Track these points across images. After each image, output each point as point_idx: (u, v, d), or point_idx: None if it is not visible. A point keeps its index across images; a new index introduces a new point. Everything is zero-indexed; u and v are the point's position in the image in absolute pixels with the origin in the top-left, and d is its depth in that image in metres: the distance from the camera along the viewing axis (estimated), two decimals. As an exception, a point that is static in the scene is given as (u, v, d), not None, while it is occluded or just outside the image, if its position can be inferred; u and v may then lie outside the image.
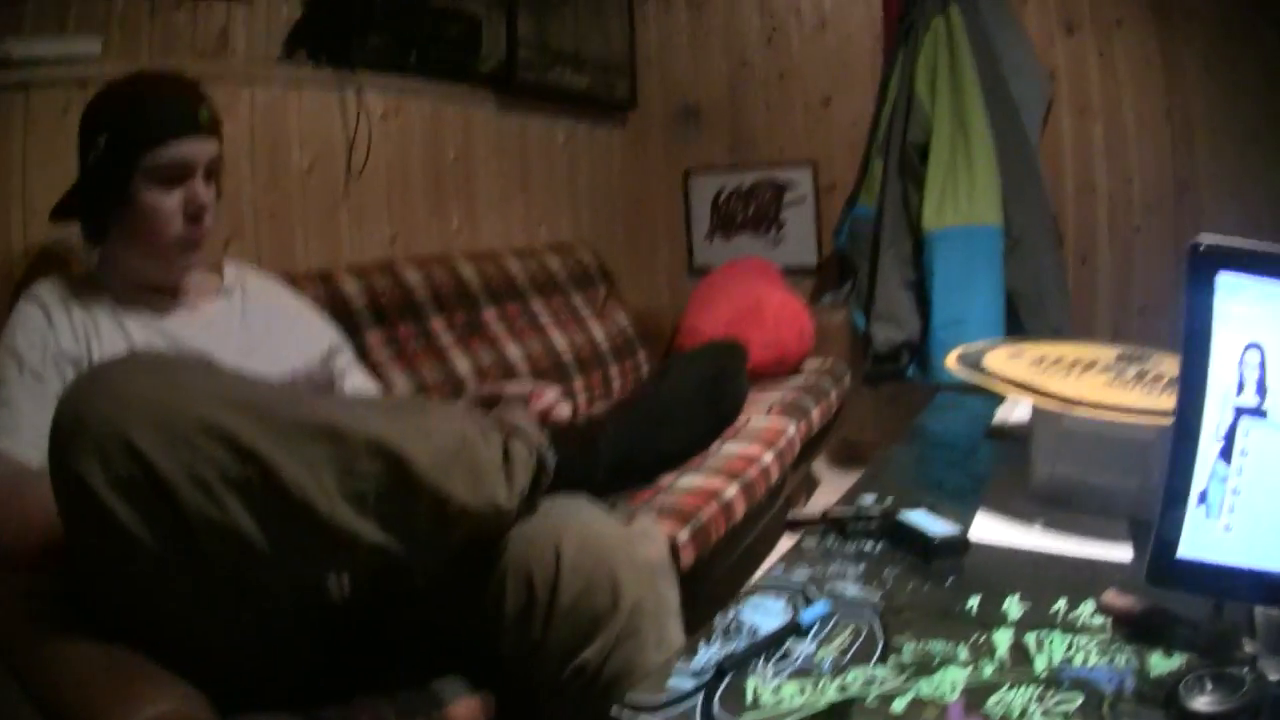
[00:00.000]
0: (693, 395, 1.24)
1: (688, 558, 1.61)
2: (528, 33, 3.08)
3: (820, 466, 3.46)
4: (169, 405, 0.81)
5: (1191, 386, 0.84)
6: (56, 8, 1.83)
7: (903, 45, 3.21)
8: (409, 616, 1.17)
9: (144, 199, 1.27)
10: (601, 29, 3.60)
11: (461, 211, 2.93)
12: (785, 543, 1.19)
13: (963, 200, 2.98)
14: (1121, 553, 1.12)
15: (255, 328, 1.44)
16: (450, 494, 0.92)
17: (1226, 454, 0.84)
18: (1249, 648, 0.81)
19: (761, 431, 2.25)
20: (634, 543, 1.05)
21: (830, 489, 3.32)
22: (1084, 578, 1.03)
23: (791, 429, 2.33)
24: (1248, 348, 0.82)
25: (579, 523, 1.04)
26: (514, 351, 2.54)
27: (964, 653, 0.87)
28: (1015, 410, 1.79)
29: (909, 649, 0.88)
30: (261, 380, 0.95)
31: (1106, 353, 1.44)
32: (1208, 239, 0.84)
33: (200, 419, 0.82)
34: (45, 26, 1.80)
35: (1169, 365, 1.36)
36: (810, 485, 3.22)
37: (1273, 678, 0.75)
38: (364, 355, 2.07)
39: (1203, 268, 0.83)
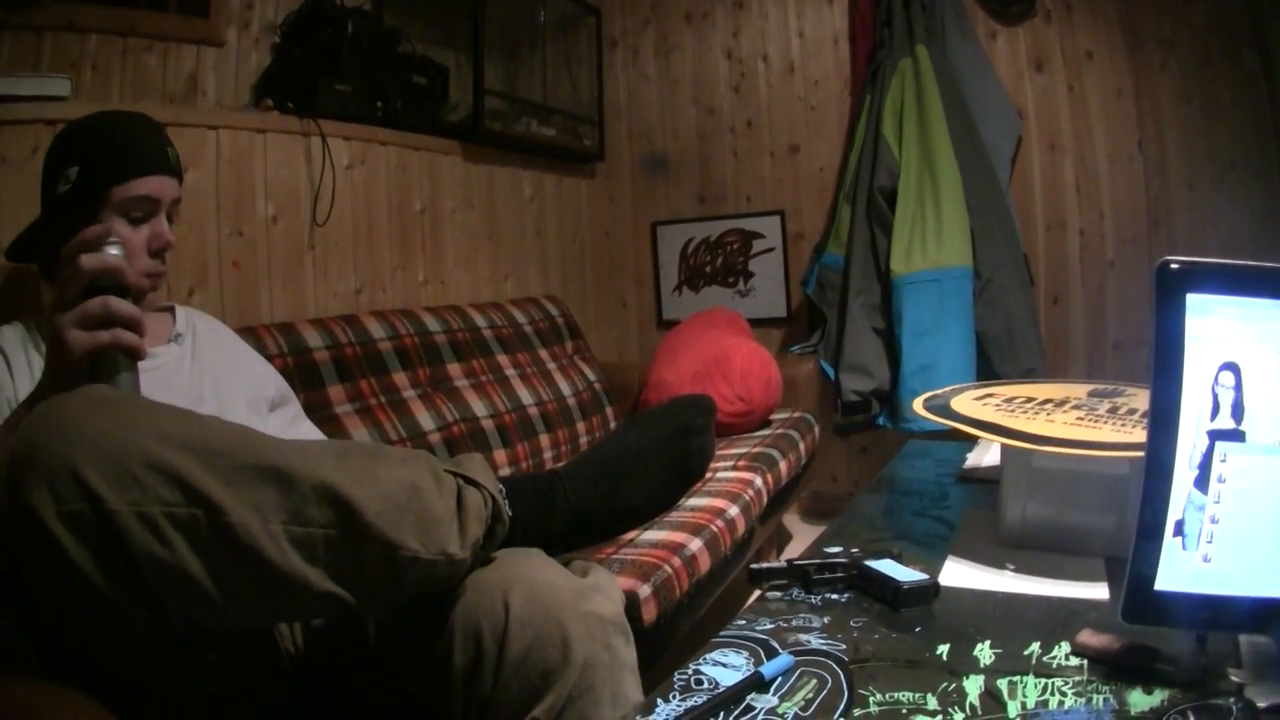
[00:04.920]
0: (656, 451, 1.20)
1: (649, 614, 1.56)
2: (495, 83, 3.07)
3: (791, 520, 3.41)
4: (119, 441, 0.80)
5: (1163, 412, 0.80)
6: (30, 46, 1.84)
7: (870, 88, 3.23)
8: (360, 675, 1.11)
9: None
10: (569, 79, 3.60)
11: (428, 264, 2.89)
12: (755, 597, 1.15)
13: (930, 244, 2.97)
14: (1097, 591, 1.08)
15: (204, 375, 1.42)
16: (400, 543, 0.89)
17: (1202, 482, 0.80)
18: (1235, 677, 0.79)
19: (727, 485, 2.19)
20: (586, 596, 0.99)
21: (801, 543, 3.26)
22: (1059, 619, 1.00)
23: (759, 481, 2.28)
24: (1222, 368, 0.79)
25: (528, 574, 1.00)
26: (479, 407, 2.49)
27: (933, 702, 0.82)
28: (986, 455, 1.76)
29: (875, 700, 0.83)
30: (213, 419, 0.92)
31: (1078, 390, 1.43)
32: (1176, 258, 0.81)
33: (149, 456, 0.80)
34: (18, 64, 1.81)
35: (1142, 399, 1.34)
36: (781, 539, 3.16)
37: (1261, 704, 0.73)
38: (325, 409, 2.03)
39: (1172, 287, 0.80)
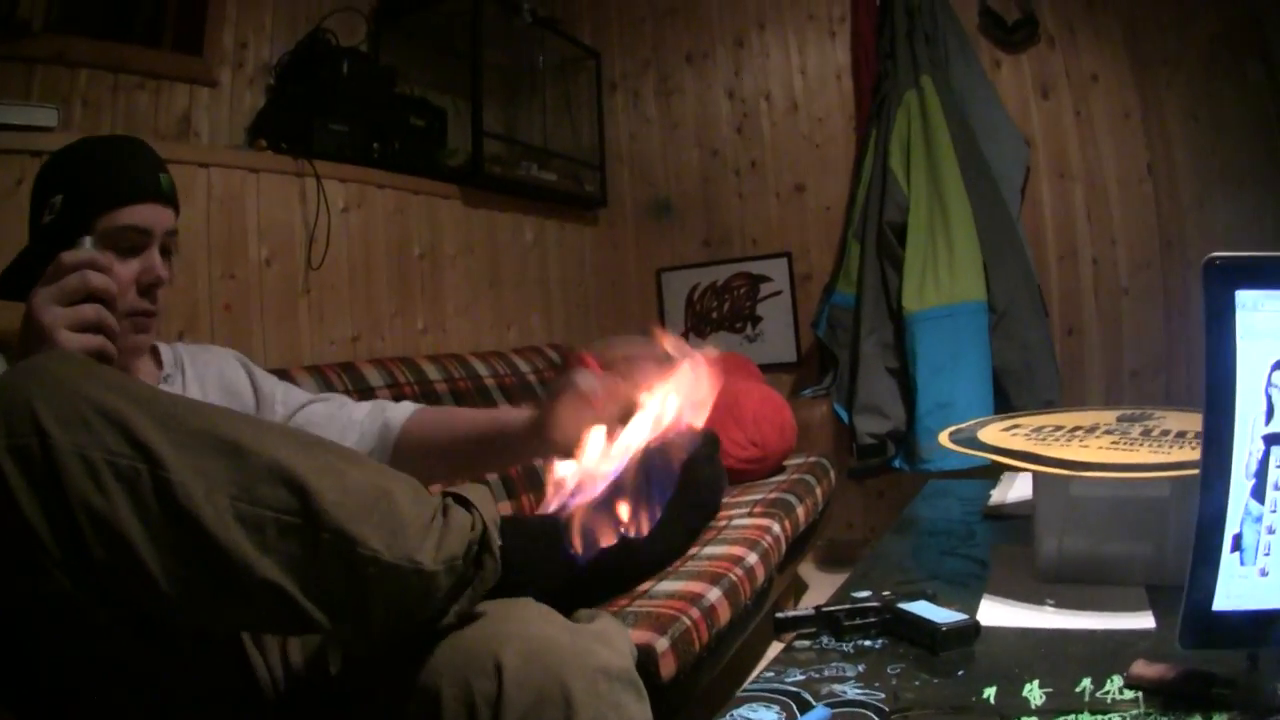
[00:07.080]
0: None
1: (668, 668, 1.48)
2: (494, 126, 3.05)
3: (808, 569, 3.31)
4: (74, 387, 0.80)
5: (1218, 420, 0.74)
6: (20, 78, 1.83)
7: (875, 122, 3.21)
8: None
9: None
10: (570, 122, 3.59)
11: (428, 310, 2.84)
12: (775, 649, 1.07)
13: (944, 278, 2.92)
14: (1142, 621, 1.02)
15: None
16: (358, 537, 0.82)
17: (1259, 491, 0.74)
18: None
19: (744, 531, 2.12)
20: (589, 650, 0.90)
21: (819, 592, 3.16)
22: (1107, 652, 0.94)
23: (776, 528, 2.20)
24: (1275, 367, 0.73)
25: (522, 628, 0.90)
26: (482, 457, 2.42)
27: (982, 748, 0.75)
28: (1012, 489, 1.70)
29: (917, 747, 0.76)
30: (175, 395, 0.91)
31: (1106, 416, 1.38)
32: (1222, 254, 0.75)
33: (101, 404, 0.79)
34: (6, 95, 1.79)
35: (1174, 419, 1.30)
36: (798, 589, 3.06)
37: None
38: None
39: (1220, 285, 0.74)
